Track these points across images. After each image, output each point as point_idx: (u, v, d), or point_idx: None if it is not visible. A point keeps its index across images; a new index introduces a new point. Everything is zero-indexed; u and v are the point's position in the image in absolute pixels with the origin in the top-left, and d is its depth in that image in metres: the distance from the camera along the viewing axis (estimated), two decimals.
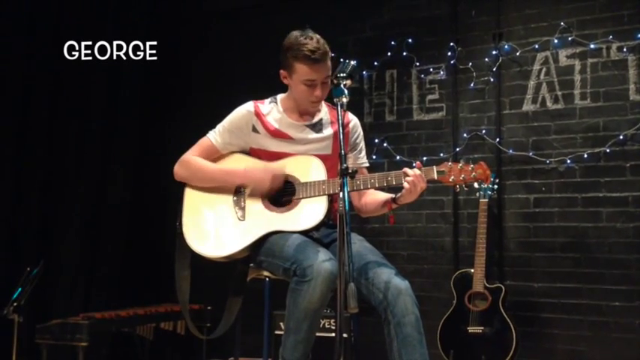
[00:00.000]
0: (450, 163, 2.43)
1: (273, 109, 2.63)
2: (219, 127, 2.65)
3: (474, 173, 2.41)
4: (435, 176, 2.41)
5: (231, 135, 2.62)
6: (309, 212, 2.47)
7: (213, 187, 2.62)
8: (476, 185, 2.46)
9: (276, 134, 2.59)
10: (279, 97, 2.68)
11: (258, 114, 2.60)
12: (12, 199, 4.32)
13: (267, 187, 2.51)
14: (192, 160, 2.63)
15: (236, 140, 2.63)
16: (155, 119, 5.15)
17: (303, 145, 2.60)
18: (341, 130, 2.19)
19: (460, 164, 2.42)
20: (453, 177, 2.40)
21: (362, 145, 2.76)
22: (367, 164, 2.78)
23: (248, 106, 2.63)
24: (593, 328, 3.89)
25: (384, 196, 2.61)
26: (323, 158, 2.54)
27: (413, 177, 2.38)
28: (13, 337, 3.53)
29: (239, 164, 2.61)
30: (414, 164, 4.33)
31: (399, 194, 2.48)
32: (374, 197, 2.66)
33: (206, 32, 5.25)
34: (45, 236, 4.47)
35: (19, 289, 3.54)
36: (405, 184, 2.39)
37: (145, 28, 4.86)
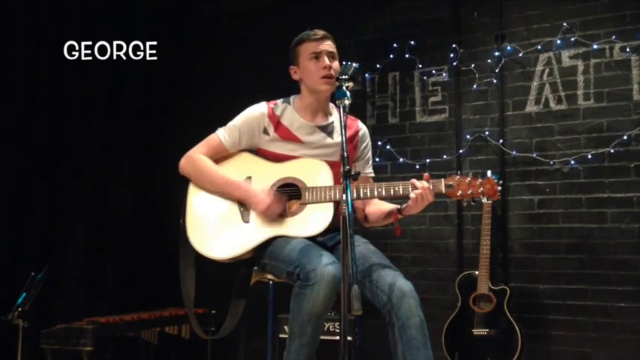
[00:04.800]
0: (458, 177, 2.41)
1: (286, 110, 2.63)
2: (230, 125, 2.63)
3: (481, 188, 2.40)
4: (443, 190, 2.40)
5: (242, 135, 2.61)
6: (314, 219, 2.46)
7: None
8: (483, 200, 2.44)
9: (287, 136, 2.59)
10: (293, 97, 2.68)
11: (270, 116, 2.60)
12: (15, 203, 4.31)
13: (261, 212, 2.49)
14: (200, 160, 2.61)
15: (246, 141, 2.62)
16: (156, 120, 5.14)
17: (312, 149, 2.59)
18: (343, 132, 2.18)
19: (468, 178, 2.40)
20: (460, 191, 2.39)
21: (369, 155, 2.76)
22: (373, 175, 2.78)
23: (261, 108, 2.62)
24: (598, 330, 3.88)
25: (389, 206, 2.59)
26: (330, 165, 2.54)
27: (421, 190, 2.36)
28: (18, 342, 3.53)
29: (245, 167, 2.61)
30: (417, 165, 4.37)
31: (404, 205, 2.47)
32: (378, 207, 2.65)
33: (207, 34, 5.25)
34: (49, 241, 4.46)
35: (24, 295, 3.54)
36: (412, 196, 2.37)
37: (145, 28, 4.86)
